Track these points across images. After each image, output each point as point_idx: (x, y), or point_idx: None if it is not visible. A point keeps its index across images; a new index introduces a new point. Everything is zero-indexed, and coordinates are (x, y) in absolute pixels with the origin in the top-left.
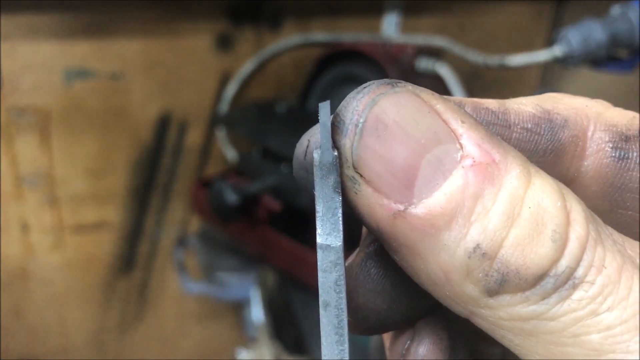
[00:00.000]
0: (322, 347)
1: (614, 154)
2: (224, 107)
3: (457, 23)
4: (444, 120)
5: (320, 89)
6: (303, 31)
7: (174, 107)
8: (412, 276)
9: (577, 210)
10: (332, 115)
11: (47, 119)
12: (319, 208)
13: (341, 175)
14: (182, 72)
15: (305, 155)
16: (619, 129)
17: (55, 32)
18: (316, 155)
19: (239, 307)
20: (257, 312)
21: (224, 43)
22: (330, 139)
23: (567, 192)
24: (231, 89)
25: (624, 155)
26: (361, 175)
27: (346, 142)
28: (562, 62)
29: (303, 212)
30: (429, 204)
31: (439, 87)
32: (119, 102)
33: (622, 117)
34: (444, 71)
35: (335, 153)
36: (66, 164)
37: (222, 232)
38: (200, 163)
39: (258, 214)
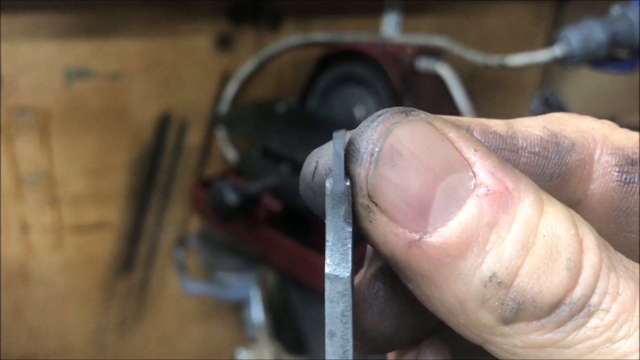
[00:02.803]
0: None
1: (619, 178)
2: (224, 107)
3: (457, 23)
4: (456, 149)
5: (320, 89)
6: (303, 31)
7: (173, 107)
8: (426, 304)
9: (590, 238)
10: (345, 135)
11: (47, 119)
12: (329, 238)
13: (354, 204)
14: (182, 72)
15: (313, 177)
16: (625, 152)
17: (55, 32)
18: (328, 184)
19: (239, 307)
20: (257, 312)
21: (224, 43)
22: (342, 169)
23: (579, 219)
24: (231, 89)
25: (630, 179)
26: (376, 204)
27: (361, 171)
28: (562, 62)
29: (303, 212)
30: (445, 233)
31: (439, 87)
32: (119, 102)
33: (628, 139)
34: (444, 71)
35: (348, 183)
36: (66, 164)
37: (222, 232)
38: (200, 163)
39: (258, 214)
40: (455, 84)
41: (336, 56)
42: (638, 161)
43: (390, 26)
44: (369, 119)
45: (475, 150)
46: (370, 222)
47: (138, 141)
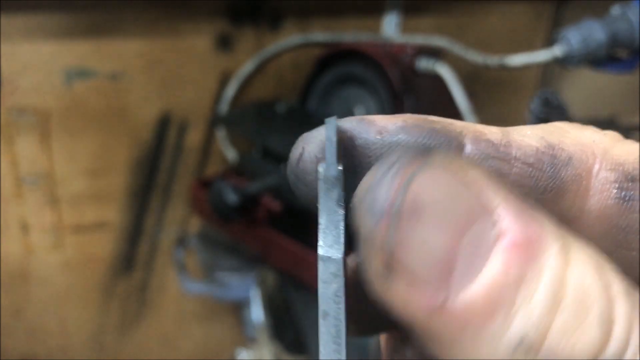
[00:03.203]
0: (320, 355)
1: (619, 195)
2: (224, 107)
3: (457, 23)
4: (477, 192)
5: (320, 89)
6: (303, 31)
7: (173, 107)
8: None
9: (617, 284)
10: (336, 122)
11: (47, 119)
12: (322, 220)
13: (364, 263)
14: (182, 72)
15: (298, 163)
16: (625, 169)
17: (55, 32)
18: (321, 169)
19: (239, 307)
20: (257, 312)
21: (224, 43)
22: (335, 154)
23: (604, 263)
24: (231, 89)
25: (630, 196)
26: (393, 268)
27: (379, 230)
28: (562, 62)
29: (303, 212)
30: (470, 295)
31: (439, 87)
32: (119, 102)
33: (629, 154)
34: (444, 71)
35: (340, 167)
36: (66, 164)
37: (222, 232)
38: (200, 163)
39: (258, 214)
40: (455, 84)
41: (336, 56)
42: (638, 177)
43: (390, 26)
44: (384, 164)
45: (497, 192)
46: (387, 287)
47: (138, 141)
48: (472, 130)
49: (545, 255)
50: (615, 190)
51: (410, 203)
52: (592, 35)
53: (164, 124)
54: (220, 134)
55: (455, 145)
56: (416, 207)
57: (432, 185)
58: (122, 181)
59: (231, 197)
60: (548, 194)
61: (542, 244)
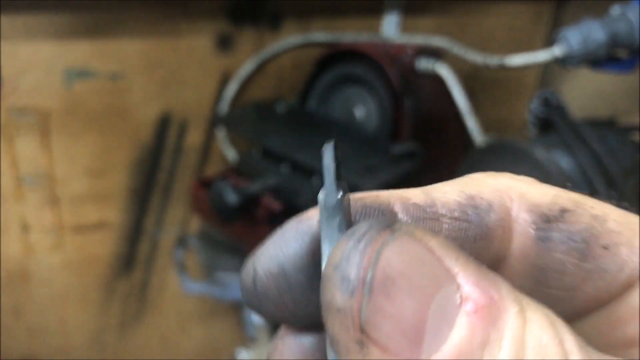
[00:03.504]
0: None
1: (537, 236)
2: (224, 107)
3: (457, 23)
4: (438, 259)
5: (321, 89)
6: (303, 31)
7: (174, 107)
8: None
9: (570, 340)
10: (333, 147)
11: (47, 119)
12: (325, 248)
13: (338, 334)
14: (182, 72)
15: (255, 285)
16: (541, 210)
17: (55, 33)
18: (321, 196)
19: (239, 307)
20: None
21: (224, 43)
22: (334, 181)
23: (555, 319)
24: (231, 89)
25: (546, 237)
26: (368, 337)
27: (353, 303)
28: (562, 63)
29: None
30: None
31: (439, 87)
32: (119, 102)
33: (544, 196)
34: (444, 71)
35: (340, 194)
36: (66, 164)
37: (222, 232)
38: (200, 163)
39: (258, 214)
40: (455, 84)
41: (336, 56)
42: (553, 218)
43: (390, 26)
44: (352, 237)
45: (457, 258)
46: (363, 355)
47: (138, 141)
48: (398, 197)
49: (505, 317)
50: (533, 231)
51: (381, 277)
52: (592, 35)
53: (164, 124)
54: (221, 134)
55: (388, 215)
56: (386, 280)
57: (400, 256)
58: (122, 181)
59: (231, 197)
60: (479, 242)
61: (501, 306)
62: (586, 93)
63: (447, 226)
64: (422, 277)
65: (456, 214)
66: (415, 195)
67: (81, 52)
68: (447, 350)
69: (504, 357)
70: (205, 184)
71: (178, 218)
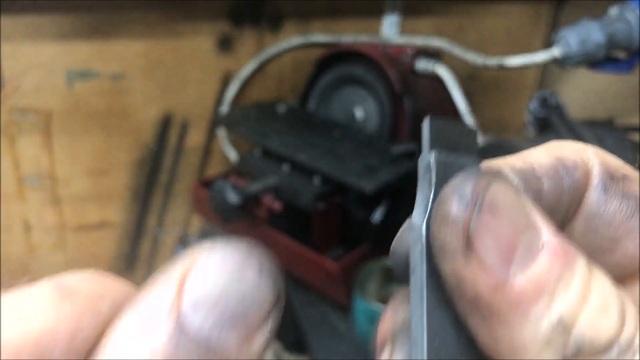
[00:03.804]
0: (411, 305)
1: (598, 186)
2: (225, 107)
3: (456, 24)
4: (530, 211)
5: (321, 90)
6: (303, 32)
7: (175, 107)
8: (489, 343)
9: (626, 297)
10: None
11: (49, 120)
12: (418, 197)
13: (439, 241)
14: (183, 72)
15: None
16: (609, 168)
17: (57, 33)
18: (419, 161)
19: None
20: None
21: (225, 44)
22: (428, 148)
23: (611, 280)
24: (232, 90)
25: (606, 189)
26: (471, 248)
27: (466, 215)
28: (561, 63)
29: (303, 212)
30: (524, 280)
31: (438, 87)
32: (121, 102)
33: (614, 161)
34: (443, 72)
35: (432, 157)
36: (68, 164)
37: (223, 231)
38: (201, 163)
39: (259, 213)
40: (454, 85)
41: (336, 57)
42: (616, 178)
43: (389, 27)
44: (468, 172)
45: (542, 218)
46: (461, 264)
47: (139, 142)
48: (504, 164)
49: (575, 265)
50: (597, 182)
51: (489, 201)
52: (591, 36)
53: (165, 124)
54: (221, 135)
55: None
56: (493, 204)
57: (504, 192)
58: (124, 181)
59: (232, 197)
60: (572, 194)
61: (574, 257)
62: (585, 94)
63: (546, 185)
64: (517, 214)
65: (552, 173)
66: (517, 161)
67: (83, 52)
68: (529, 274)
69: (573, 291)
70: (206, 183)
71: (179, 218)
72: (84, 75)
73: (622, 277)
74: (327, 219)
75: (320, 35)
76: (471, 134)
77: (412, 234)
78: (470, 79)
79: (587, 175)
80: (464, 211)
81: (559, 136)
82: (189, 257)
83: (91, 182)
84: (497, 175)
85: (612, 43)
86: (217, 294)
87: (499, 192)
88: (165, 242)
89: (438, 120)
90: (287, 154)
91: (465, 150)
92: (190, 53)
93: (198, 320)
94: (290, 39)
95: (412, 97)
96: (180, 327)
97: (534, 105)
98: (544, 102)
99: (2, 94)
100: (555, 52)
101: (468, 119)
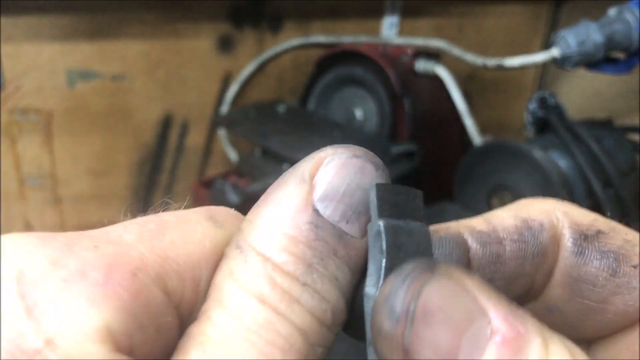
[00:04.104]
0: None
1: (573, 250)
2: (225, 108)
3: (456, 25)
4: (473, 298)
5: (321, 90)
6: (303, 33)
7: (175, 108)
8: None
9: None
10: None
11: (50, 120)
12: (370, 266)
13: (389, 357)
14: (183, 73)
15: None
16: (581, 228)
17: (57, 34)
18: (368, 228)
19: None
20: None
21: (225, 45)
22: (377, 214)
23: (574, 348)
24: (232, 90)
25: (582, 251)
26: (410, 359)
27: (398, 329)
28: (560, 64)
29: None
30: None
31: (438, 88)
32: (121, 103)
33: (584, 217)
34: (443, 72)
35: (381, 223)
36: (68, 164)
37: None
38: (202, 163)
39: None
40: (453, 85)
41: (336, 58)
42: (590, 237)
43: (389, 28)
44: (399, 276)
45: (489, 297)
46: None
47: (140, 142)
48: (465, 227)
49: (529, 348)
50: (571, 246)
51: (421, 310)
52: (590, 36)
53: (165, 124)
54: (222, 135)
55: (461, 244)
56: (426, 313)
57: (438, 293)
58: (124, 181)
59: (232, 197)
60: (537, 259)
61: (526, 338)
62: (584, 94)
63: (509, 248)
64: (457, 311)
65: (515, 237)
66: (479, 223)
67: (83, 53)
68: None
69: None
70: (206, 184)
71: None
72: (85, 75)
73: (614, 331)
74: None
75: (320, 36)
76: (417, 196)
77: (367, 303)
78: (469, 79)
79: (555, 237)
80: (396, 326)
81: (558, 136)
82: (315, 158)
83: (92, 182)
84: (434, 269)
85: (611, 44)
86: (342, 191)
87: (433, 294)
88: None
89: (384, 186)
90: (287, 154)
91: (412, 214)
92: (191, 53)
93: (329, 212)
94: (290, 39)
95: (411, 98)
96: (316, 216)
97: (533, 105)
98: (543, 103)
99: (3, 95)
100: (555, 52)
101: (468, 119)
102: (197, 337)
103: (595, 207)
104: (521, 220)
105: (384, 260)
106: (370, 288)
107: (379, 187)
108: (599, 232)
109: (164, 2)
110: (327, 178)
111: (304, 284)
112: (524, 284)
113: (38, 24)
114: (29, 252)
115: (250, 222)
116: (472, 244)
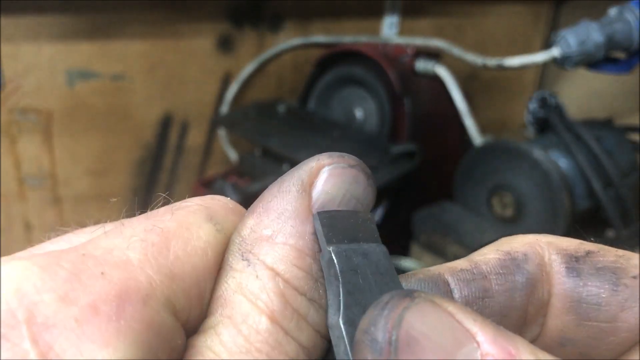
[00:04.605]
0: None
1: (568, 272)
2: (225, 107)
3: (456, 25)
4: (458, 321)
5: (321, 90)
6: (303, 33)
7: (175, 107)
8: None
9: None
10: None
11: (50, 120)
12: (328, 295)
13: None
14: (183, 73)
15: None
16: (568, 252)
17: (57, 34)
18: (320, 258)
19: None
20: None
21: (225, 44)
22: (325, 243)
23: None
24: (232, 90)
25: (577, 271)
26: None
27: None
28: (560, 63)
29: None
30: None
31: (438, 88)
32: (121, 102)
33: (569, 243)
34: (443, 72)
35: (331, 251)
36: (68, 164)
37: None
38: (202, 163)
39: None
40: (453, 85)
41: (336, 57)
42: (581, 257)
43: (389, 28)
44: (378, 305)
45: (474, 320)
46: None
47: (140, 141)
48: (445, 269)
49: None
50: (565, 269)
51: (404, 337)
52: (590, 36)
53: (165, 124)
54: (222, 135)
55: (441, 285)
56: (410, 341)
57: (421, 319)
58: (124, 181)
59: (232, 197)
60: (526, 289)
61: (519, 358)
62: (584, 94)
63: (495, 281)
64: (443, 337)
65: (500, 270)
66: (460, 263)
67: (83, 53)
68: None
69: None
70: (206, 183)
71: None
72: (85, 75)
73: (632, 345)
74: None
75: (320, 36)
76: (367, 219)
77: (332, 332)
78: (469, 79)
79: (543, 265)
80: (380, 358)
81: (559, 136)
82: (311, 166)
83: (92, 182)
84: (413, 295)
85: (611, 43)
86: (339, 201)
87: (415, 320)
88: None
89: (327, 213)
90: (287, 154)
91: (365, 237)
92: (191, 53)
93: None
94: (290, 39)
95: (411, 98)
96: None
97: (533, 105)
98: (543, 102)
99: (2, 94)
100: (555, 52)
101: (468, 118)
102: (205, 352)
103: (596, 207)
104: (503, 253)
105: (340, 286)
106: (332, 317)
107: (321, 215)
108: (588, 252)
109: (164, 2)
110: (325, 188)
111: (311, 300)
112: (517, 317)
113: (38, 24)
114: (36, 287)
115: (254, 231)
116: (455, 284)
